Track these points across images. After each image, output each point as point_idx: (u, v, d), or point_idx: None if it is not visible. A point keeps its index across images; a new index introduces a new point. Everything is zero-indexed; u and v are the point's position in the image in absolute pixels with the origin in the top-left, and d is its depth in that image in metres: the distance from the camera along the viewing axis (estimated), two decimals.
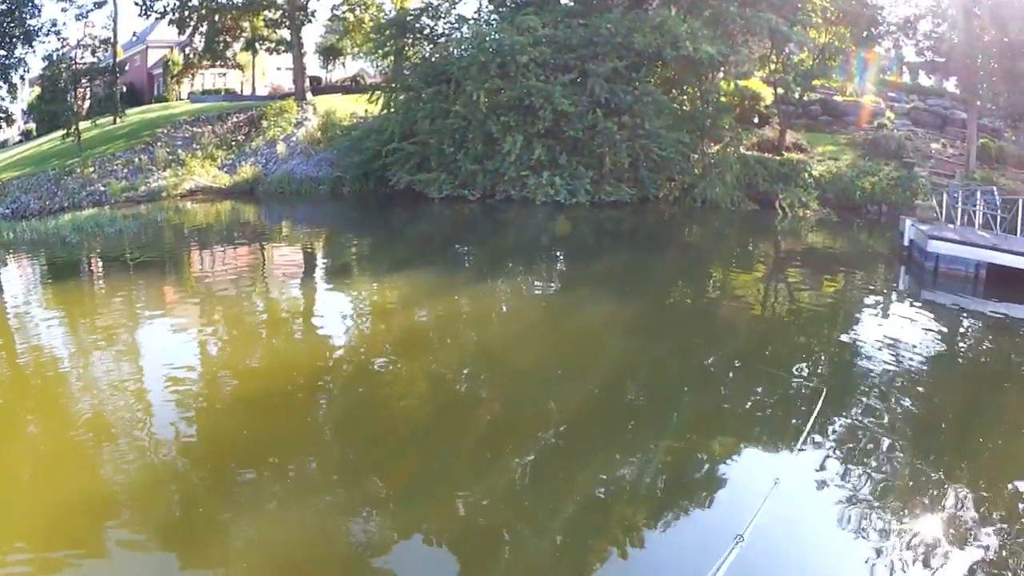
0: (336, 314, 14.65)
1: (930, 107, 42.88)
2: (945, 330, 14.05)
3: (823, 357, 12.01)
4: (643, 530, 6.69)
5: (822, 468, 7.51)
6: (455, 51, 31.36)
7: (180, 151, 36.73)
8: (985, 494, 7.12)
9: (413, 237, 24.87)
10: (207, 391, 10.16)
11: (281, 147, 35.64)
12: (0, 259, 22.95)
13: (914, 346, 12.32)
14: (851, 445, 8.11)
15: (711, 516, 6.83)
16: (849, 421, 8.82)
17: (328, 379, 10.74)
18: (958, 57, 38.15)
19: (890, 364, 11.20)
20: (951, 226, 19.81)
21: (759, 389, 10.21)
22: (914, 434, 8.64)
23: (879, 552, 6.13)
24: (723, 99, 32.29)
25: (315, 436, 8.76)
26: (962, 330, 14.41)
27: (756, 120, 35.35)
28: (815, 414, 7.61)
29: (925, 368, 11.41)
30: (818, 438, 8.22)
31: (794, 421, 8.69)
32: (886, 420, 8.95)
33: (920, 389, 10.38)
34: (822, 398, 8.29)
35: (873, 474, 7.48)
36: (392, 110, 32.20)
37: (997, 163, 35.24)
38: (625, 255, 21.54)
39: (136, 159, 36.38)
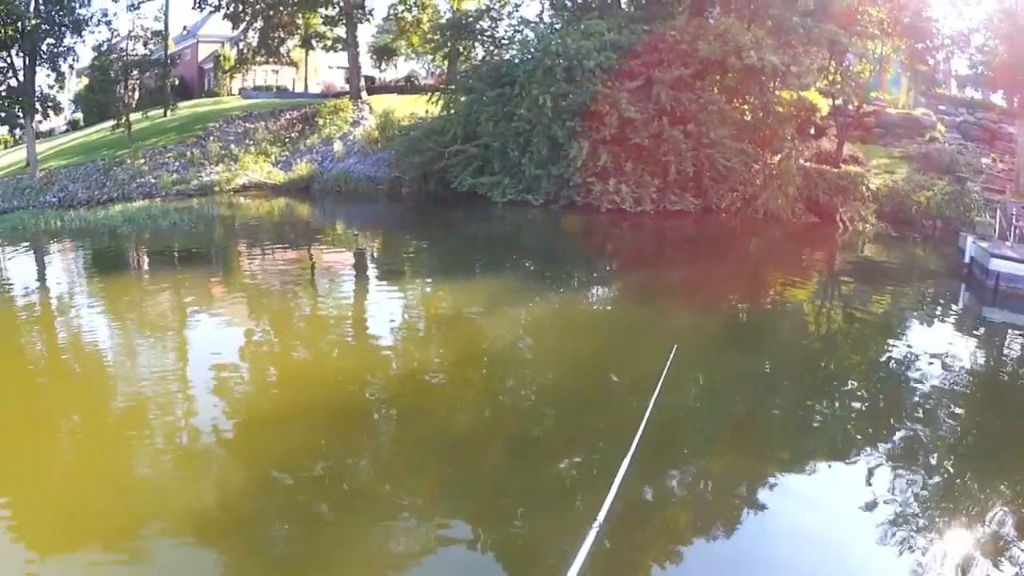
0: (387, 318, 14.47)
1: (979, 120, 42.58)
2: (1009, 349, 14.15)
3: (882, 372, 11.98)
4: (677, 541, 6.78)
5: (867, 483, 7.56)
6: (518, 55, 31.23)
7: (233, 146, 36.89)
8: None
9: (475, 241, 24.81)
10: (248, 390, 10.21)
11: (338, 145, 35.66)
12: (45, 247, 23.09)
13: (978, 363, 12.60)
14: (898, 459, 8.22)
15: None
16: (902, 434, 8.96)
17: (374, 384, 10.65)
18: (1007, 70, 37.95)
19: (956, 381, 11.36)
20: (1008, 244, 19.76)
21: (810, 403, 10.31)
22: (961, 450, 8.73)
23: (917, 566, 6.22)
24: (781, 109, 32.08)
25: (356, 442, 8.72)
26: None
27: (812, 132, 35.13)
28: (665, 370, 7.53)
29: (990, 385, 11.57)
30: (865, 450, 8.40)
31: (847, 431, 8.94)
32: (939, 434, 9.08)
33: (982, 406, 10.50)
34: (672, 354, 8.20)
35: (916, 489, 7.53)
36: (452, 111, 32.07)
37: None
38: (688, 267, 21.47)
39: (188, 152, 36.58)
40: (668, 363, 7.68)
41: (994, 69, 45.85)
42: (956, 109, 44.47)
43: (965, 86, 48.95)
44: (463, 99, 31.89)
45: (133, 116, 40.08)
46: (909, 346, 13.40)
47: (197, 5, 41.06)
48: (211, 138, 37.58)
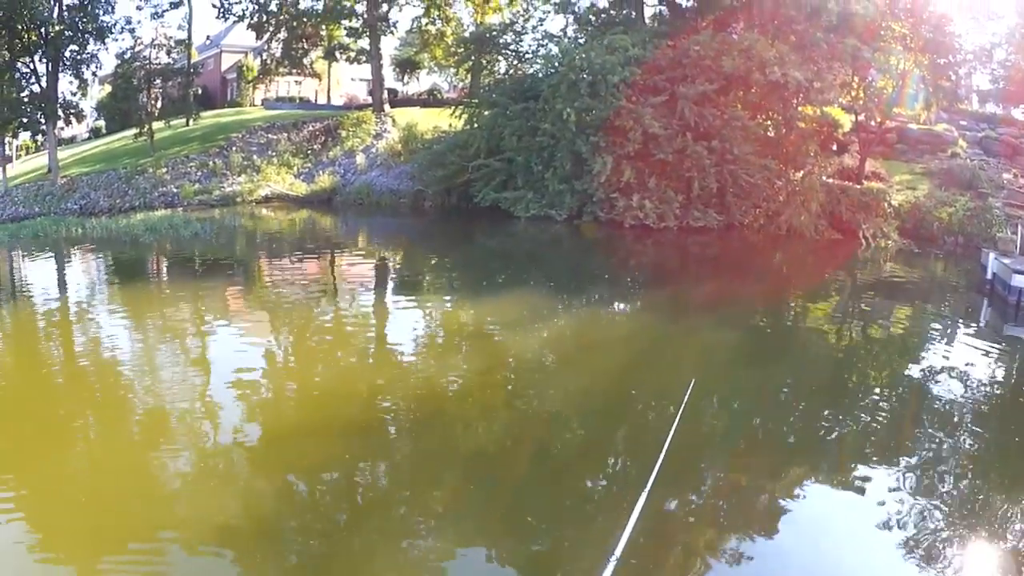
0: (408, 332, 14.49)
1: (1000, 135, 42.39)
2: None
3: (903, 390, 12.04)
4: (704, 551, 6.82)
5: (888, 503, 7.56)
6: (543, 68, 31.31)
7: (255, 157, 37.01)
8: None
9: (497, 256, 24.80)
10: (269, 401, 10.27)
11: (360, 158, 35.81)
12: (67, 254, 23.21)
13: (999, 380, 12.60)
14: (919, 479, 8.24)
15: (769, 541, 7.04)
16: (923, 453, 9.02)
17: (394, 396, 10.67)
18: None
19: (977, 398, 11.44)
20: None
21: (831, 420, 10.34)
22: (983, 468, 8.75)
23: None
24: (804, 125, 32.03)
25: (376, 454, 8.74)
26: None
27: (835, 147, 35.06)
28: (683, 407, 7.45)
29: (1011, 402, 11.57)
30: (886, 470, 8.42)
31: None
32: (960, 452, 9.13)
33: (1004, 423, 10.49)
34: (690, 389, 8.04)
35: (937, 508, 7.55)
36: (476, 125, 32.14)
37: None
38: (711, 284, 21.39)
39: (210, 162, 36.74)
40: (686, 399, 7.61)
41: (1016, 84, 45.85)
42: (977, 124, 44.26)
43: (987, 101, 48.81)
44: (487, 113, 31.97)
45: (155, 125, 40.24)
46: (930, 363, 13.43)
47: (221, 15, 41.39)
48: (233, 148, 37.73)
